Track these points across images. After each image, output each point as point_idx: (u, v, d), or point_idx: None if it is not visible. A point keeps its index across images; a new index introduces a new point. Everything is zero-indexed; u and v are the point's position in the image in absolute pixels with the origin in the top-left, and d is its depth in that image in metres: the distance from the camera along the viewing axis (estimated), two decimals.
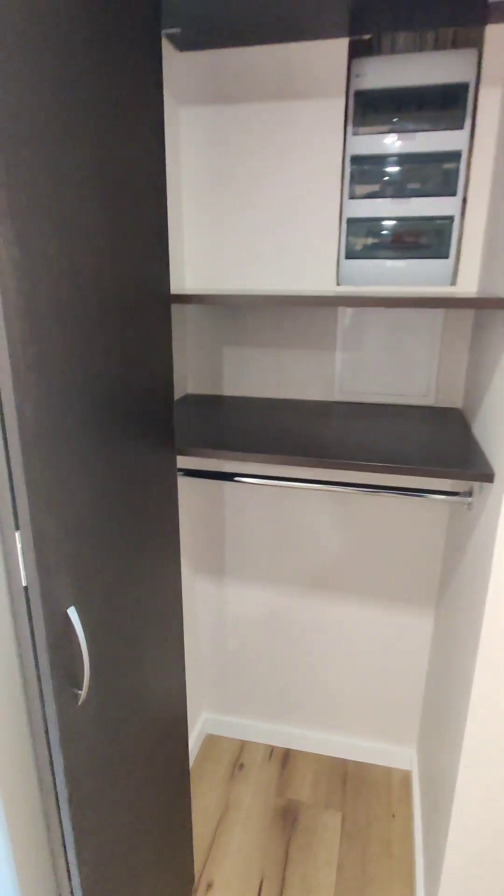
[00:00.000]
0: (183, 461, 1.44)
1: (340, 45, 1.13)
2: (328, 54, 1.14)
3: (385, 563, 1.43)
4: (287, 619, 1.55)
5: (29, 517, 0.60)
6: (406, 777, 1.57)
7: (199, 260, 1.32)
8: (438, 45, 1.17)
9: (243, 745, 1.67)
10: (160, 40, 0.78)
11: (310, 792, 1.52)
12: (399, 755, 1.60)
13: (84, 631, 0.71)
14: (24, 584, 0.63)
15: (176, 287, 1.30)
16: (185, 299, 0.93)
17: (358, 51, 1.19)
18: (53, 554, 0.65)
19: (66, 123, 0.59)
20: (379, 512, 1.39)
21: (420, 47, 1.18)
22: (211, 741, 1.69)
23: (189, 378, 1.42)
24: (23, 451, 0.58)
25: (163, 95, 0.79)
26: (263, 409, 1.27)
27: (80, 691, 0.71)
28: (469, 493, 1.04)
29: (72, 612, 0.68)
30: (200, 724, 1.69)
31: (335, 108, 1.17)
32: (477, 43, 1.12)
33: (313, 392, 1.35)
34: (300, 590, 1.51)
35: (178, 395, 1.37)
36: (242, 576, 1.55)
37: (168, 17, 1.03)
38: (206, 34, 1.11)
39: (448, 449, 0.98)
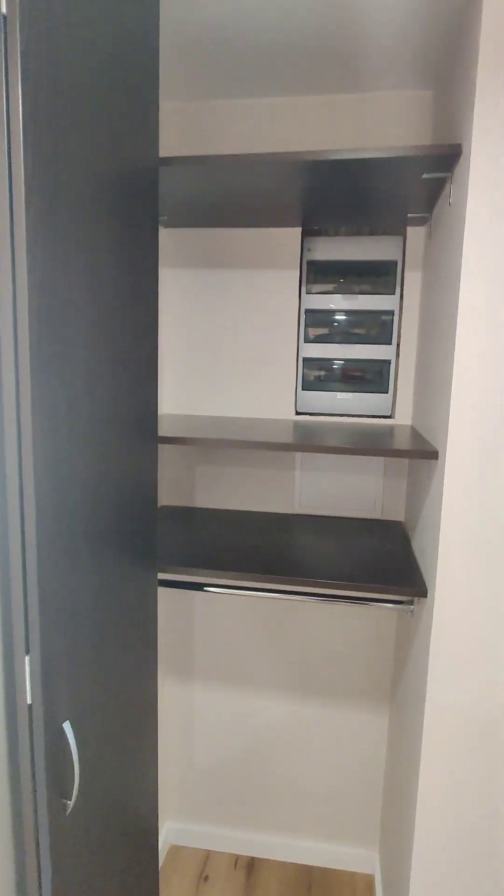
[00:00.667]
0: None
1: (296, 231, 1.41)
2: (286, 236, 1.42)
3: (343, 664, 1.54)
4: (251, 722, 1.62)
5: (39, 641, 0.72)
6: (369, 881, 1.59)
7: (176, 388, 1.52)
8: (373, 232, 1.48)
9: (208, 855, 1.66)
10: (157, 225, 1.00)
11: None
12: (362, 859, 1.62)
13: (76, 743, 0.80)
14: (28, 702, 0.73)
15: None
16: (170, 440, 1.09)
17: (309, 231, 1.48)
18: (56, 673, 0.75)
19: (100, 276, 0.78)
20: (336, 617, 1.52)
21: (358, 233, 1.48)
22: (175, 852, 1.67)
23: (164, 491, 1.57)
24: (39, 582, 0.71)
25: (157, 260, 0.99)
26: (232, 522, 1.42)
27: (69, 801, 0.79)
28: (411, 602, 1.20)
29: (66, 727, 0.78)
30: (164, 834, 1.68)
31: (292, 275, 1.44)
32: (402, 233, 1.43)
33: (276, 505, 1.52)
34: (265, 692, 1.59)
35: None
36: (210, 679, 1.62)
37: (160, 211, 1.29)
38: (186, 220, 1.37)
39: (392, 563, 1.15)
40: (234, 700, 1.62)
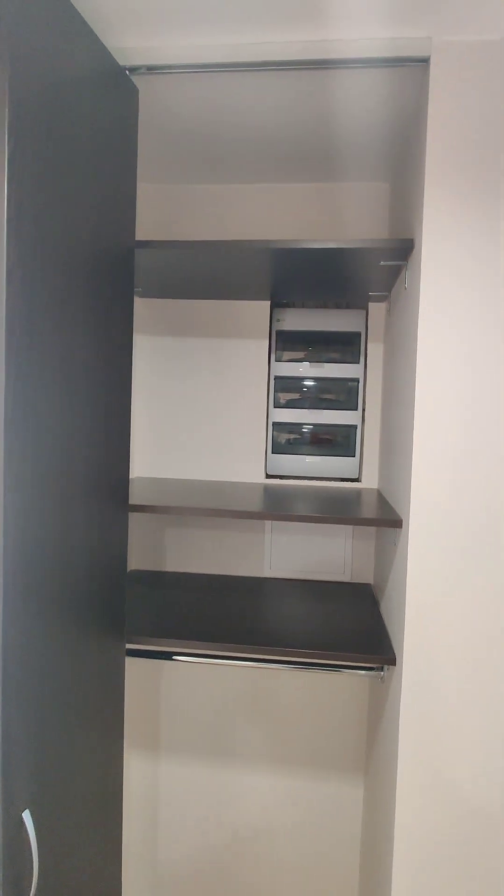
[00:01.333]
0: None
1: (265, 305, 1.49)
2: (256, 308, 1.49)
3: (316, 735, 1.51)
4: (222, 798, 1.55)
5: (0, 721, 0.70)
6: None
7: (146, 451, 1.54)
8: (338, 306, 1.57)
9: None
10: (132, 300, 1.04)
11: None
12: None
13: (36, 835, 0.76)
14: None
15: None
16: (141, 508, 1.10)
17: (278, 303, 1.57)
18: (16, 754, 0.73)
19: (74, 346, 0.80)
20: (308, 684, 1.50)
21: (325, 306, 1.57)
22: None
23: (133, 555, 1.56)
24: (2, 652, 0.69)
25: (131, 330, 1.03)
26: (202, 587, 1.41)
27: (30, 892, 0.74)
28: (381, 668, 1.20)
29: (26, 816, 0.74)
30: None
31: (262, 344, 1.50)
32: (365, 307, 1.52)
33: (247, 569, 1.52)
34: (235, 766, 1.54)
35: None
36: (177, 751, 1.56)
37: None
38: (160, 292, 1.44)
39: (362, 628, 1.16)
40: (205, 772, 1.55)
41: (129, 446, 1.05)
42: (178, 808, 1.57)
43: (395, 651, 1.04)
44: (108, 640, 0.99)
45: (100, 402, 0.92)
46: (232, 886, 1.56)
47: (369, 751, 1.42)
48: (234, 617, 1.20)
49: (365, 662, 1.03)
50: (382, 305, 1.47)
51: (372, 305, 1.48)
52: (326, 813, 1.52)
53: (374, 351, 1.48)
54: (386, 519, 1.02)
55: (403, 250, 1.01)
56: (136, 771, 1.58)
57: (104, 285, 0.92)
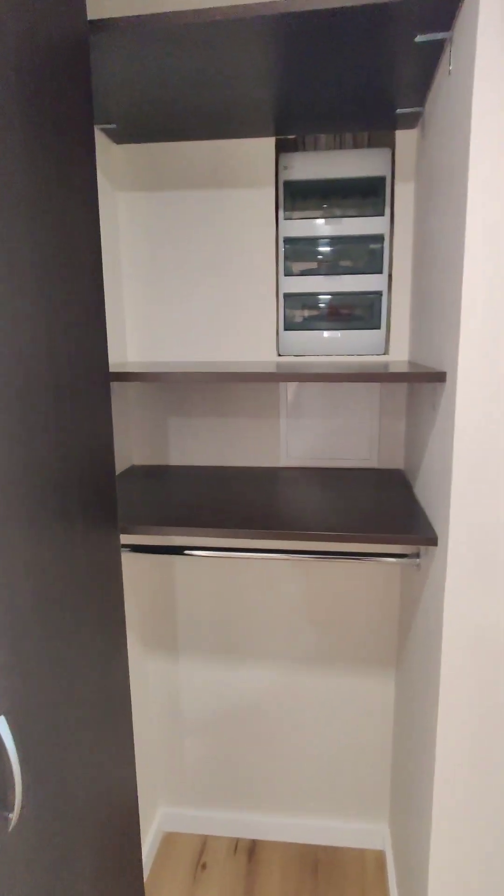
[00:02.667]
0: (130, 536, 1.40)
1: (268, 143, 1.23)
2: (258, 150, 1.23)
3: (342, 627, 1.41)
4: (245, 696, 1.49)
5: None
6: (380, 857, 1.49)
7: (141, 333, 1.35)
8: (357, 144, 1.30)
9: (205, 841, 1.55)
10: (93, 134, 0.82)
11: (279, 887, 1.40)
12: (371, 834, 1.52)
13: (16, 742, 0.65)
14: None
15: (118, 359, 1.31)
16: (124, 377, 0.93)
17: (285, 146, 1.30)
18: None
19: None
20: (332, 576, 1.38)
21: (340, 146, 1.30)
22: (170, 840, 1.56)
23: (134, 449, 1.41)
24: None
25: (96, 181, 0.82)
26: (210, 479, 1.27)
27: (10, 815, 0.64)
28: (417, 555, 1.06)
29: (1, 724, 0.63)
30: (157, 822, 1.56)
31: (266, 195, 1.26)
32: (390, 143, 1.25)
33: (260, 459, 1.37)
34: (258, 662, 1.46)
35: (123, 466, 1.35)
36: (197, 652, 1.48)
37: (103, 114, 1.10)
38: (140, 131, 1.18)
39: (393, 512, 1.01)
40: (226, 672, 1.48)
41: (102, 314, 0.86)
42: (200, 707, 1.52)
43: (437, 531, 0.89)
44: (97, 531, 0.85)
45: (54, 265, 0.72)
46: (257, 779, 1.54)
47: (402, 645, 1.32)
48: (246, 506, 1.05)
49: (400, 545, 0.88)
50: (413, 134, 1.20)
51: (400, 137, 1.21)
52: (354, 707, 1.45)
53: (404, 196, 1.23)
54: (426, 372, 0.83)
55: (447, 11, 0.75)
56: (155, 672, 1.52)
57: (48, 102, 0.69)
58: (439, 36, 0.81)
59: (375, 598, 1.38)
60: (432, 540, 0.87)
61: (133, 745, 0.99)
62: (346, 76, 0.94)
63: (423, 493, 1.04)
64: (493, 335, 0.76)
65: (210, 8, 0.76)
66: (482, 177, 0.72)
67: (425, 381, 0.83)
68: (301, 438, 1.36)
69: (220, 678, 1.49)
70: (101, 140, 1.21)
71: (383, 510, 1.02)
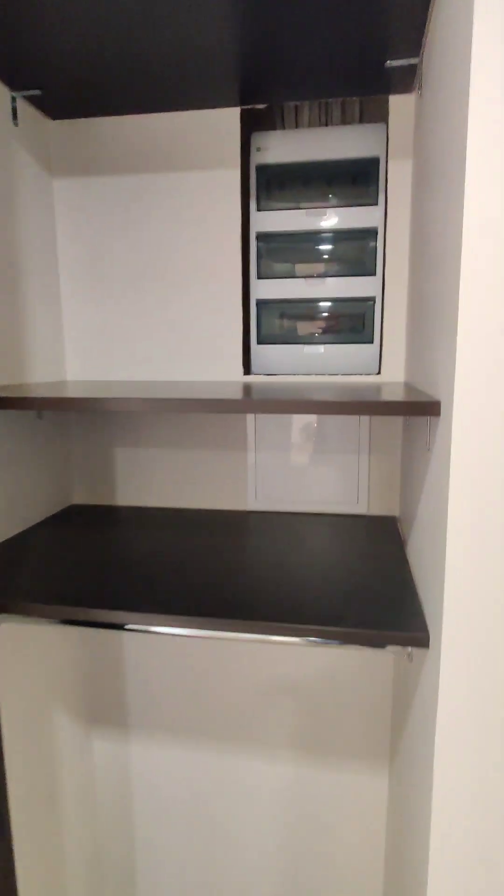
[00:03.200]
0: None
1: (233, 114, 1.01)
2: (221, 124, 1.01)
3: (326, 712, 1.15)
4: (211, 788, 1.23)
5: None
6: None
7: (82, 346, 1.12)
8: (346, 120, 1.07)
9: None
10: None
11: None
12: None
13: None
14: None
15: (55, 377, 1.09)
16: (24, 403, 0.70)
17: (258, 123, 1.08)
18: None
19: None
20: (312, 655, 1.12)
21: (327, 121, 1.08)
22: None
23: (75, 485, 1.18)
24: None
25: None
26: (160, 527, 1.03)
27: None
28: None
29: None
30: None
31: (231, 180, 1.03)
32: (385, 117, 1.02)
33: (224, 500, 1.13)
34: (225, 747, 1.20)
35: (59, 506, 1.12)
36: (153, 732, 1.23)
37: (26, 78, 0.89)
38: (74, 100, 0.97)
39: (380, 587, 0.75)
40: (186, 761, 1.23)
41: None
42: (155, 799, 1.26)
43: (430, 625, 0.63)
44: None
45: None
46: (228, 890, 1.27)
47: (396, 736, 1.05)
48: (200, 572, 0.81)
49: (383, 642, 0.63)
50: (410, 100, 0.96)
51: (395, 105, 0.97)
52: (343, 806, 1.18)
53: (400, 180, 0.99)
54: (412, 402, 0.58)
55: None
56: (102, 754, 1.27)
57: None
58: None
59: (363, 680, 1.11)
60: (422, 640, 0.61)
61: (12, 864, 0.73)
62: (323, 16, 0.71)
63: (417, 559, 0.78)
64: (497, 360, 0.51)
65: None
66: (483, 152, 0.48)
67: (413, 414, 0.59)
68: (273, 476, 1.11)
69: (180, 764, 1.23)
70: (32, 115, 1.00)
71: (368, 583, 0.77)
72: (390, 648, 0.65)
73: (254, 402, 0.67)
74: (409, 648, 0.77)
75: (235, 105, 0.99)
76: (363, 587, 0.75)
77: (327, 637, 0.64)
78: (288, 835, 1.21)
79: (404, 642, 0.61)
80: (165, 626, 0.69)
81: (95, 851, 1.28)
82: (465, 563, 0.55)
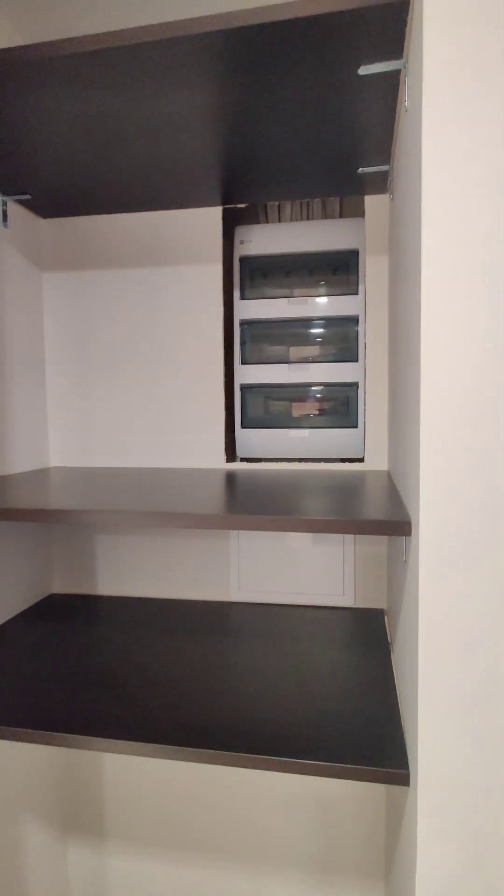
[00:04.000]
0: None
1: (215, 213, 1.04)
2: (204, 221, 1.05)
3: (316, 828, 1.06)
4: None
5: None
6: None
7: (66, 432, 1.12)
8: (327, 214, 1.11)
9: None
10: None
11: None
12: None
13: None
14: None
15: (39, 464, 1.08)
16: (8, 514, 0.68)
17: (242, 218, 1.12)
18: None
19: None
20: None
21: (308, 216, 1.12)
22: None
23: (55, 573, 1.14)
24: None
25: None
26: (141, 622, 0.99)
27: None
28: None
29: None
30: None
31: (213, 273, 1.05)
32: (361, 213, 1.05)
33: (205, 590, 1.09)
34: (207, 862, 1.11)
35: (38, 596, 1.09)
36: (129, 844, 1.14)
37: (17, 183, 0.93)
38: (61, 202, 1.01)
39: (364, 700, 0.71)
40: (166, 879, 1.13)
41: None
42: None
43: (409, 758, 0.58)
44: None
45: None
46: None
47: (390, 854, 0.96)
48: (179, 681, 0.77)
49: (364, 778, 0.57)
50: (384, 198, 0.99)
51: (371, 204, 1.01)
52: None
53: (377, 272, 1.01)
54: (386, 522, 0.56)
55: (395, 33, 0.55)
56: (77, 863, 1.17)
57: None
58: (391, 66, 0.60)
59: (356, 796, 1.03)
60: (402, 779, 0.56)
61: None
62: (298, 126, 0.74)
63: (400, 668, 0.73)
64: (465, 467, 0.49)
65: (120, 31, 0.58)
66: (437, 252, 0.48)
67: (386, 534, 0.56)
68: (257, 566, 1.08)
69: (166, 879, 1.13)
70: (24, 215, 1.04)
71: (349, 697, 0.72)
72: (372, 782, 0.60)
73: (236, 518, 0.65)
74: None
75: (218, 205, 1.03)
76: (347, 706, 0.70)
77: (307, 772, 0.59)
78: None
79: (385, 780, 0.56)
80: (140, 754, 0.64)
81: None
82: (436, 696, 0.51)
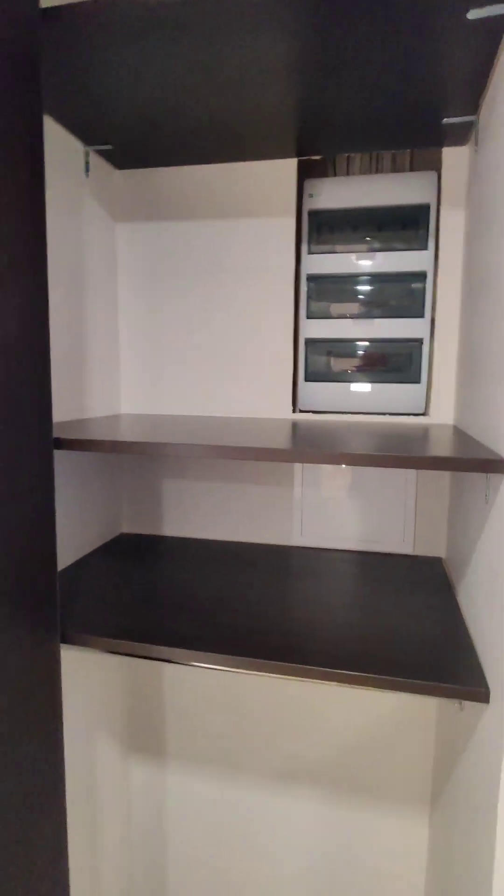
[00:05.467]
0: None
1: (290, 165, 1.05)
2: (277, 174, 1.06)
3: (364, 753, 1.13)
4: (242, 826, 1.22)
5: None
6: None
7: (137, 381, 1.17)
8: (397, 168, 1.10)
9: None
10: (40, 145, 0.66)
11: None
12: None
13: None
14: None
15: (111, 410, 1.14)
16: (76, 445, 0.74)
17: (311, 171, 1.12)
18: None
19: None
20: (351, 695, 1.12)
21: (377, 169, 1.11)
22: None
23: (125, 514, 1.21)
24: None
25: (41, 205, 0.65)
26: (205, 560, 1.05)
27: None
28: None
29: None
30: None
31: (286, 226, 1.07)
32: (436, 165, 1.05)
33: (268, 534, 1.14)
34: (259, 784, 1.20)
35: (110, 535, 1.16)
36: (189, 764, 1.24)
37: (99, 134, 0.95)
38: (140, 152, 1.03)
39: (430, 632, 0.76)
40: (224, 790, 1.23)
41: (47, 369, 0.68)
42: (191, 829, 1.26)
43: (490, 678, 0.63)
44: (26, 637, 0.64)
45: None
46: None
47: (440, 783, 1.04)
48: (244, 610, 0.83)
49: (440, 695, 0.63)
50: (464, 151, 0.99)
51: (449, 156, 1.00)
52: (379, 848, 1.16)
53: (452, 227, 1.02)
54: (476, 459, 0.59)
55: None
56: (139, 785, 1.27)
57: None
58: (497, 10, 0.61)
59: (405, 722, 1.10)
60: (481, 695, 0.61)
61: (67, 873, 0.74)
62: (382, 75, 0.75)
63: (471, 607, 0.78)
64: None
65: None
66: None
67: (476, 471, 0.60)
68: (319, 514, 1.12)
69: (217, 796, 1.23)
70: (101, 166, 1.06)
71: (416, 627, 0.77)
72: (444, 699, 0.65)
73: (308, 452, 0.69)
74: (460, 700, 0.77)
75: (293, 156, 1.03)
76: (417, 631, 0.75)
77: (379, 686, 0.64)
78: (321, 871, 1.19)
79: (462, 696, 0.61)
80: (210, 664, 0.70)
81: (130, 876, 1.28)
82: None
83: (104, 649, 0.73)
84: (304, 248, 1.12)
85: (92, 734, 1.10)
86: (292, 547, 1.12)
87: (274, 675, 0.69)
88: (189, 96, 0.81)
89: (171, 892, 1.29)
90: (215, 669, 0.73)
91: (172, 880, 1.29)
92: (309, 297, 1.15)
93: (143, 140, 0.97)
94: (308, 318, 1.15)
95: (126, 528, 1.21)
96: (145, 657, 0.72)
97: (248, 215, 1.07)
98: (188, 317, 1.13)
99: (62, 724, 0.73)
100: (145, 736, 1.25)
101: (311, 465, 1.12)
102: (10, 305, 0.59)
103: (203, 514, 1.17)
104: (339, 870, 1.19)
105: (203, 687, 1.20)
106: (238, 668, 0.70)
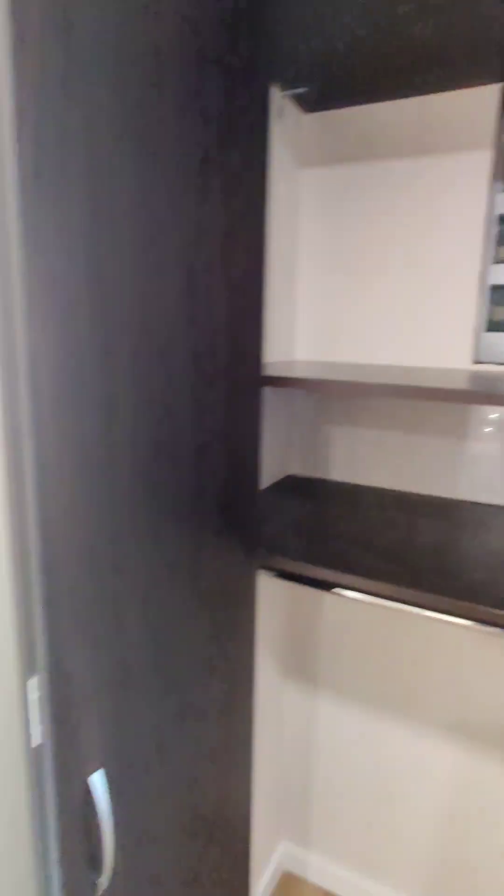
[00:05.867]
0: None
1: (489, 92, 0.97)
2: (472, 102, 0.99)
3: None
4: (387, 750, 1.28)
5: (48, 657, 0.48)
6: None
7: (312, 327, 1.20)
8: None
9: None
10: (267, 102, 0.69)
11: None
12: None
13: (114, 800, 0.56)
14: (36, 742, 0.50)
15: (285, 357, 1.19)
16: (280, 382, 0.79)
17: None
18: (81, 702, 0.52)
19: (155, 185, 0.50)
20: None
21: None
22: (289, 882, 1.43)
23: (293, 457, 1.28)
24: (44, 569, 0.46)
25: (266, 159, 0.69)
26: (372, 504, 1.08)
27: (99, 879, 0.56)
28: None
29: (96, 779, 0.54)
30: (277, 858, 1.44)
31: (478, 161, 1.00)
32: None
33: (437, 486, 1.13)
34: (410, 725, 1.24)
35: (279, 475, 1.23)
36: (340, 694, 1.31)
37: (297, 77, 0.96)
38: (335, 92, 1.02)
39: None
40: (369, 724, 1.29)
41: (260, 314, 0.73)
42: (339, 746, 1.35)
43: None
44: (229, 554, 0.73)
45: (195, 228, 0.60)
46: (391, 850, 1.32)
47: None
48: (417, 551, 0.85)
49: None
50: None
51: None
52: None
53: None
54: None
55: None
56: (292, 705, 1.39)
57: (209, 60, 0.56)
58: None
59: None
60: None
61: (250, 790, 0.86)
62: None
63: None
64: None
65: None
66: None
67: None
68: (494, 468, 1.09)
69: (363, 728, 1.30)
70: (290, 110, 1.07)
71: None
72: None
73: (477, 392, 0.67)
74: None
75: (497, 80, 0.95)
76: None
77: None
78: (456, 812, 1.22)
79: None
80: (401, 599, 0.74)
81: (281, 779, 1.42)
82: None
83: (293, 570, 0.79)
84: (499, 185, 1.05)
85: (261, 651, 1.21)
86: (463, 501, 1.11)
87: (458, 621, 0.70)
88: (391, 27, 0.78)
89: (315, 801, 1.41)
90: (382, 602, 0.77)
91: (317, 786, 1.40)
92: (499, 242, 1.07)
93: (338, 78, 0.96)
94: (496, 263, 1.08)
95: (294, 470, 1.28)
96: (336, 584, 0.77)
97: (436, 151, 1.02)
98: (366, 263, 1.12)
99: (256, 631, 0.82)
100: (300, 663, 1.35)
101: (489, 416, 1.08)
102: (237, 252, 0.64)
103: (370, 462, 1.19)
104: (472, 822, 1.20)
105: (355, 626, 1.25)
106: (412, 603, 0.73)
